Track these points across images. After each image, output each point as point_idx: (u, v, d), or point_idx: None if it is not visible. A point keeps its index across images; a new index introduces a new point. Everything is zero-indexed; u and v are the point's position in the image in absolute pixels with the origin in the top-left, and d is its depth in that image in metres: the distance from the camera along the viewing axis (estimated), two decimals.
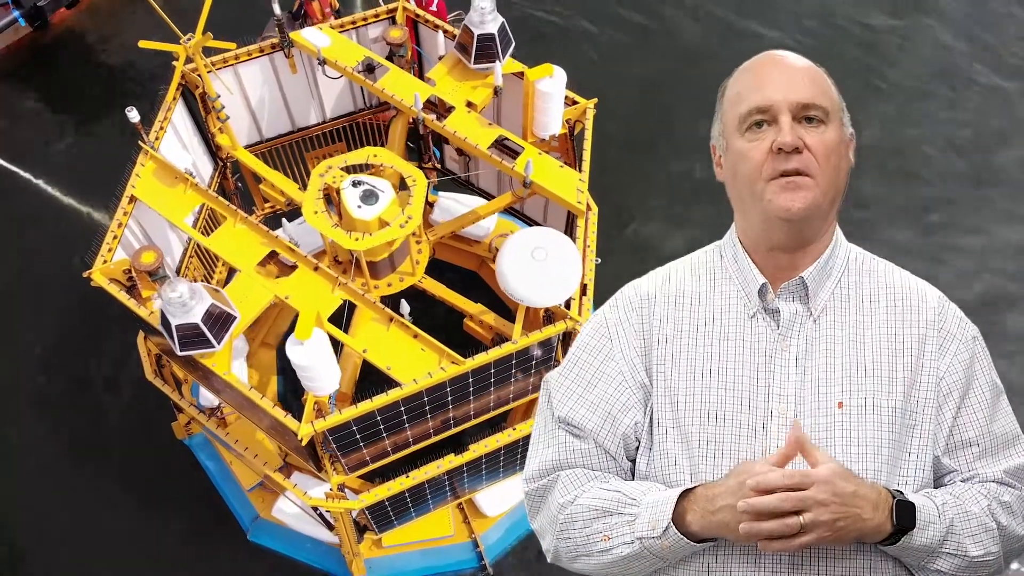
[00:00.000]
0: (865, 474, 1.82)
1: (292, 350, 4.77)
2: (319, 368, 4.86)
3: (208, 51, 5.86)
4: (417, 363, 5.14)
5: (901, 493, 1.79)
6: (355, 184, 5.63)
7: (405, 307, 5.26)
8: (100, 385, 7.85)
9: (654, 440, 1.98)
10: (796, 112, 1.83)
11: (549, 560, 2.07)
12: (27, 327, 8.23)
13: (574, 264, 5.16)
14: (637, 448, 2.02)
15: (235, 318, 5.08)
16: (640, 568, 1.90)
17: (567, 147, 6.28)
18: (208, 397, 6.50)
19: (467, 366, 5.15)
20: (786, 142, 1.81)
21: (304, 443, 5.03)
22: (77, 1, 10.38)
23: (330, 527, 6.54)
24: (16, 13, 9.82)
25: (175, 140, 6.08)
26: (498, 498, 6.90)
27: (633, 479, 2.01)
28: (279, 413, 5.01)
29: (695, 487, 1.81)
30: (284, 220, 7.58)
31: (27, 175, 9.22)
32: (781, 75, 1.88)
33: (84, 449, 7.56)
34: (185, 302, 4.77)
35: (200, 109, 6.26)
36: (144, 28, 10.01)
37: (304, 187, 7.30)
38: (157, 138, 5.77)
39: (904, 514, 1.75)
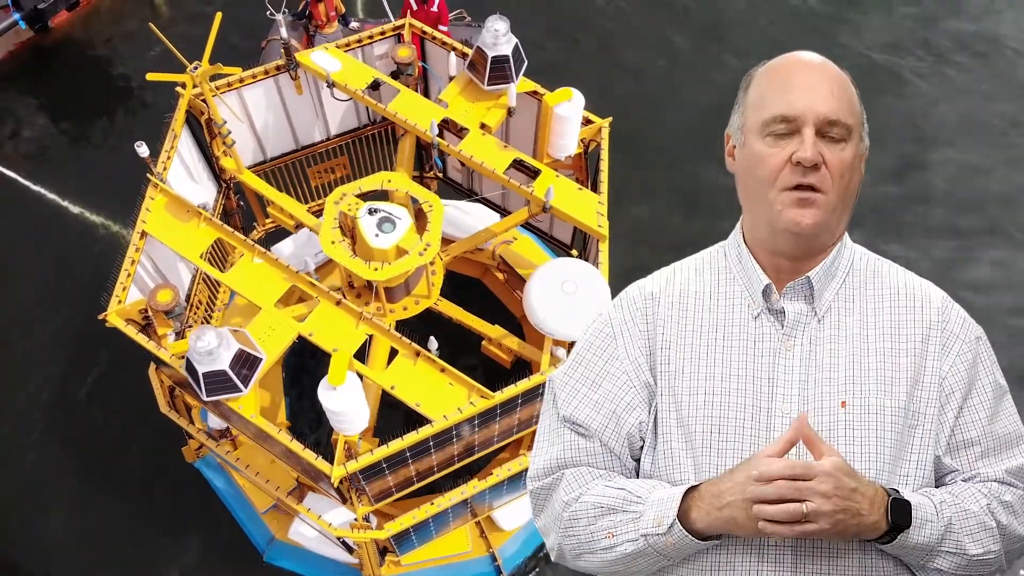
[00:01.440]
0: (867, 473, 1.82)
1: (325, 396, 4.69)
2: (352, 412, 4.80)
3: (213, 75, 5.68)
4: (446, 398, 5.09)
5: (898, 492, 1.79)
6: (371, 212, 5.53)
7: (433, 343, 5.20)
8: (109, 403, 7.71)
9: (658, 439, 1.99)
10: (820, 126, 1.81)
11: (553, 558, 2.07)
12: (30, 337, 8.04)
13: (603, 296, 5.12)
14: (641, 447, 2.03)
15: (261, 360, 4.99)
16: (644, 566, 1.90)
17: (581, 164, 6.22)
18: (217, 419, 6.40)
19: (496, 399, 5.12)
20: (806, 158, 1.80)
21: (336, 484, 5.00)
22: (78, 3, 10.07)
23: (350, 550, 6.52)
24: (17, 16, 9.52)
25: (180, 167, 5.91)
26: (515, 512, 6.91)
27: (637, 478, 2.02)
28: (310, 455, 4.95)
29: (699, 484, 1.81)
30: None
31: (26, 180, 8.98)
32: (808, 83, 1.85)
33: (93, 470, 7.45)
34: (212, 350, 4.68)
35: (204, 134, 6.09)
36: (144, 30, 9.73)
37: (307, 201, 7.20)
38: (165, 168, 5.60)
39: (899, 512, 1.76)
